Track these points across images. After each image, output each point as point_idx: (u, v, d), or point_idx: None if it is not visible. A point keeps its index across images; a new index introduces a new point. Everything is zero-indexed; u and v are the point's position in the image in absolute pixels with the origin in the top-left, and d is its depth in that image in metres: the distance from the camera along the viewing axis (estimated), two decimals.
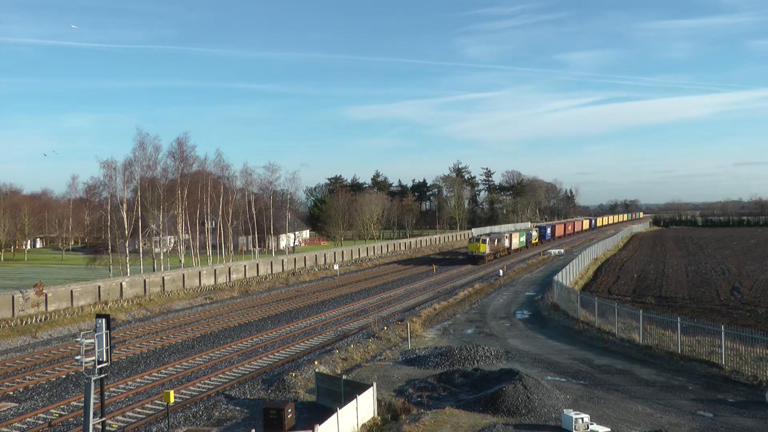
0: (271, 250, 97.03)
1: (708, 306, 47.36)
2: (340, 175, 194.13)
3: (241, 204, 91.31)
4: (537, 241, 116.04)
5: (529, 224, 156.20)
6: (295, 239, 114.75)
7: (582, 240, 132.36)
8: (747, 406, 23.19)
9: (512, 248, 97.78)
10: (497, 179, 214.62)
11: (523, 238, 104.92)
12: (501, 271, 71.29)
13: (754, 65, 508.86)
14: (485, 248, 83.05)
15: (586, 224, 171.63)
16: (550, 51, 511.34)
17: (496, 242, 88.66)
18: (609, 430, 20.29)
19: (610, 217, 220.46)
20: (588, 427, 20.03)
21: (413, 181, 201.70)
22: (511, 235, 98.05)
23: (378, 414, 22.43)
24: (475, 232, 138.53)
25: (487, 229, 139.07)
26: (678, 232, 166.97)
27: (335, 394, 22.88)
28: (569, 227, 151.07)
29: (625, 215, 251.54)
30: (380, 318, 44.89)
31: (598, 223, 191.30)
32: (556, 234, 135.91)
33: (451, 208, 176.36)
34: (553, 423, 21.00)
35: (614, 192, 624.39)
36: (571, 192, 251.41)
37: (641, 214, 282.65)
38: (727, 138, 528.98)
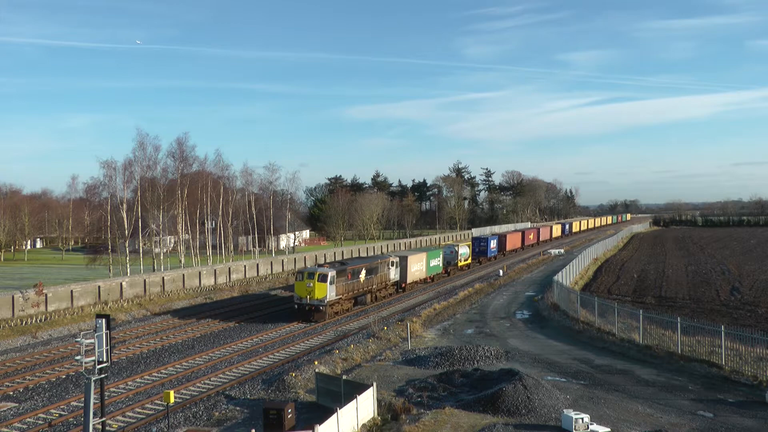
0: (271, 250, 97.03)
1: (708, 306, 47.38)
2: (340, 175, 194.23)
3: (241, 204, 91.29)
4: (470, 260, 78.31)
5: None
6: (295, 239, 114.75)
7: (582, 240, 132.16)
8: (747, 406, 23.20)
9: (408, 281, 57.85)
10: (497, 179, 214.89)
11: (437, 261, 65.85)
12: (501, 271, 71.32)
13: (755, 65, 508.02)
14: (324, 291, 43.06)
15: (557, 230, 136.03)
16: (550, 51, 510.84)
17: (360, 276, 48.49)
18: (609, 430, 20.30)
19: (591, 220, 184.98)
20: (588, 427, 20.04)
21: (413, 181, 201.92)
22: (404, 260, 57.11)
23: (378, 414, 22.44)
24: (475, 232, 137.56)
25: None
26: (678, 232, 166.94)
27: (335, 394, 22.88)
28: (530, 236, 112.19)
29: (610, 218, 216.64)
30: (380, 318, 44.88)
31: (575, 229, 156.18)
32: (508, 247, 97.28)
33: (451, 208, 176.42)
34: (553, 423, 21.01)
35: (614, 192, 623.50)
36: (571, 192, 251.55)
37: (629, 216, 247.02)
38: (727, 138, 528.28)
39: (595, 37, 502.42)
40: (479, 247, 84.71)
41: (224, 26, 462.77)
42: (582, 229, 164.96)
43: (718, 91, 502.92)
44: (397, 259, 56.60)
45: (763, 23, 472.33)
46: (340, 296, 45.42)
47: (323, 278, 43.52)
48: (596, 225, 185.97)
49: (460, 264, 73.70)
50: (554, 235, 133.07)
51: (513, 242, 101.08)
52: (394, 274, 55.21)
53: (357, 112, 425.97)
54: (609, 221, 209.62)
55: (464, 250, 75.68)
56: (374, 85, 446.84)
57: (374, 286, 51.35)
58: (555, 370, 28.80)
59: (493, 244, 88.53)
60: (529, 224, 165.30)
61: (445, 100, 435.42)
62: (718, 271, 71.22)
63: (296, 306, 44.08)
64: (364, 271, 49.18)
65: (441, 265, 67.52)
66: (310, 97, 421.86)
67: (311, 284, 43.42)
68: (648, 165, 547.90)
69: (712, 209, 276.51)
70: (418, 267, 60.26)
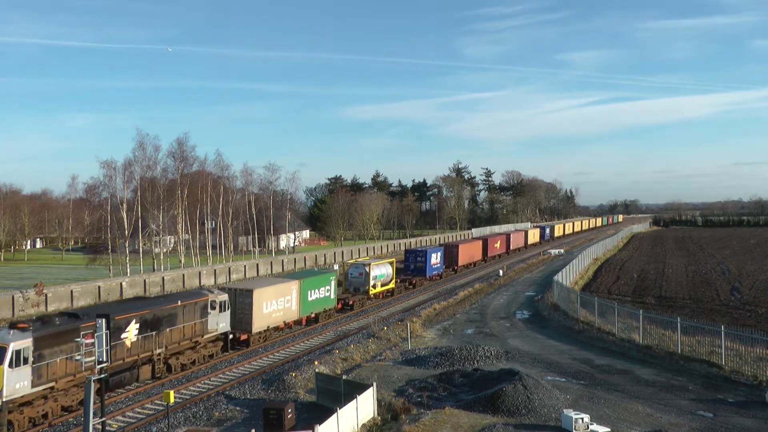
0: (271, 250, 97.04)
1: (708, 306, 47.38)
2: (340, 175, 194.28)
3: (241, 204, 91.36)
4: (392, 284, 55.40)
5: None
6: (295, 239, 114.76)
7: (582, 240, 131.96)
8: (747, 406, 23.21)
9: (256, 329, 35.99)
10: (497, 179, 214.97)
11: (323, 291, 43.41)
12: (501, 271, 71.30)
13: (755, 65, 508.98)
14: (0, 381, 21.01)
15: (534, 236, 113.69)
16: (551, 51, 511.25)
17: (124, 334, 26.66)
18: (609, 430, 20.30)
19: (578, 222, 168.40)
20: (588, 427, 20.04)
21: (413, 181, 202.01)
22: (247, 294, 35.77)
23: (378, 414, 22.44)
24: (475, 232, 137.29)
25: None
26: (678, 232, 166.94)
27: (335, 394, 22.87)
28: (495, 244, 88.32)
29: (600, 219, 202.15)
30: (380, 318, 44.87)
31: (557, 233, 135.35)
32: (461, 260, 73.60)
33: (451, 208, 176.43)
34: (553, 423, 21.01)
35: (614, 192, 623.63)
36: (571, 192, 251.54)
37: (620, 218, 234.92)
38: (727, 138, 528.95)
39: (596, 37, 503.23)
40: (415, 264, 62.67)
41: (224, 26, 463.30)
42: (567, 232, 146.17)
43: (718, 91, 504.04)
44: (225, 296, 34.21)
45: (763, 23, 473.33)
46: (53, 383, 23.49)
47: None
48: (585, 227, 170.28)
49: (373, 291, 51.43)
50: (530, 242, 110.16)
51: (469, 254, 76.95)
52: (218, 321, 33.24)
53: (357, 112, 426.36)
54: (599, 223, 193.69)
55: (381, 271, 53.04)
56: (374, 85, 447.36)
57: (163, 350, 29.26)
58: (555, 370, 28.79)
59: (435, 258, 65.32)
60: (529, 224, 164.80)
61: (445, 100, 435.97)
62: (718, 271, 71.21)
63: None
64: (134, 325, 27.41)
65: (332, 296, 44.79)
66: (310, 97, 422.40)
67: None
68: (648, 165, 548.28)
69: (712, 209, 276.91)
70: (279, 304, 38.30)
